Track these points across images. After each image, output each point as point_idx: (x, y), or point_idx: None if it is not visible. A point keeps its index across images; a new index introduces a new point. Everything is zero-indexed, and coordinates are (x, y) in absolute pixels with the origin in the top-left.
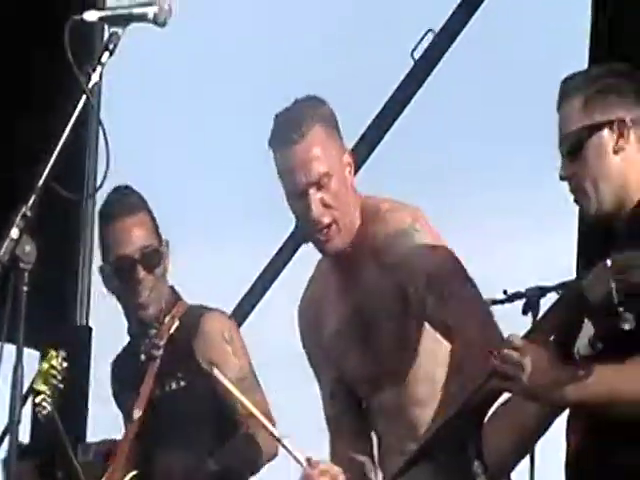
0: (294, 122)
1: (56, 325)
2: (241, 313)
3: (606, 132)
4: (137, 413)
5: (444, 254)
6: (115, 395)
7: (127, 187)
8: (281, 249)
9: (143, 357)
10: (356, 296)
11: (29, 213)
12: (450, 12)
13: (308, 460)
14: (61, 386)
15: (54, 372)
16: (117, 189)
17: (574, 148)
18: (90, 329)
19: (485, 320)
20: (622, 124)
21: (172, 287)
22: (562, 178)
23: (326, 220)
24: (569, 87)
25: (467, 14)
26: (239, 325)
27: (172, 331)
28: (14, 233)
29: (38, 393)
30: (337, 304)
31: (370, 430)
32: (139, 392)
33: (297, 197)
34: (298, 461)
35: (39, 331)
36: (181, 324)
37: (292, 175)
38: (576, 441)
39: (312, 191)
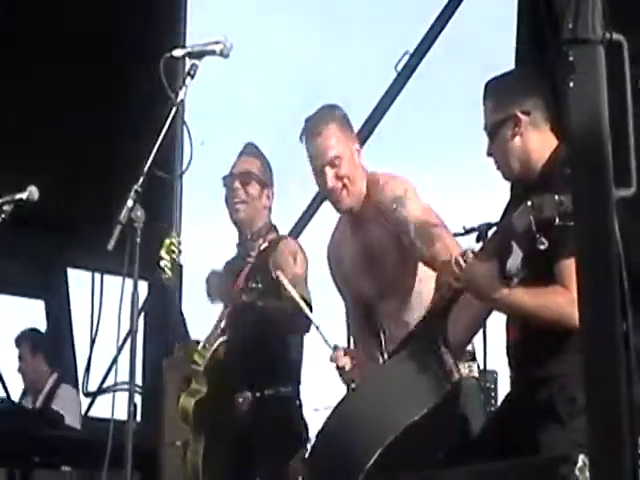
0: (315, 123)
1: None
2: None
3: (507, 124)
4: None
5: (428, 213)
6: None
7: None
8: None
9: (241, 261)
10: (365, 239)
11: (139, 189)
12: (421, 36)
13: (335, 346)
14: (180, 259)
15: (174, 247)
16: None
17: (491, 135)
18: (181, 266)
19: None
20: (516, 118)
21: (272, 223)
22: (488, 154)
23: (338, 187)
24: (487, 90)
25: (433, 38)
26: None
27: (261, 249)
28: (129, 203)
29: (161, 259)
30: (351, 244)
31: (379, 330)
32: (237, 281)
33: (318, 174)
34: (328, 344)
35: (146, 268)
36: (268, 246)
37: (314, 159)
38: (513, 333)
39: (327, 169)
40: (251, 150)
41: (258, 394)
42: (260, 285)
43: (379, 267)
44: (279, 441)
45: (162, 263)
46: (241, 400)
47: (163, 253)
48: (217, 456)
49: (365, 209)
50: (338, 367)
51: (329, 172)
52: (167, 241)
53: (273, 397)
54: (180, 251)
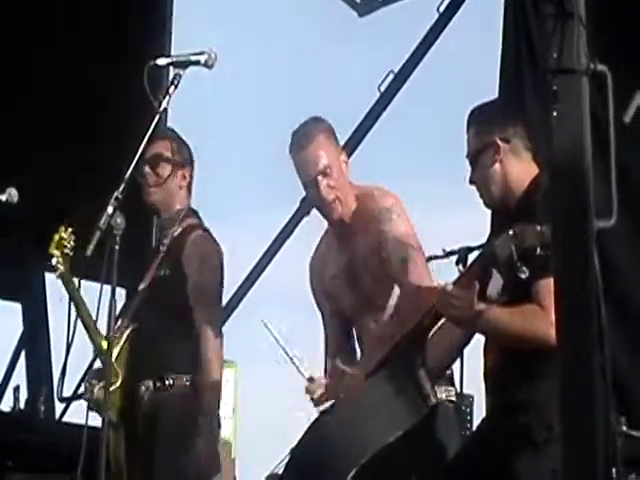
0: (303, 135)
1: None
2: (261, 265)
3: (487, 151)
4: (142, 286)
5: (410, 234)
6: None
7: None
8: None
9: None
10: (349, 253)
11: (120, 196)
12: (406, 56)
13: (310, 377)
14: (70, 253)
15: (64, 242)
16: None
17: (472, 163)
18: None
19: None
20: (496, 145)
21: (192, 207)
22: (470, 182)
23: (331, 197)
24: (470, 119)
25: (418, 59)
26: (261, 271)
27: (175, 235)
28: (110, 210)
29: (52, 256)
30: (336, 258)
31: (354, 346)
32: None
33: (310, 185)
34: (303, 375)
35: (125, 275)
36: (182, 232)
37: (305, 170)
38: (490, 358)
39: (320, 178)
40: (162, 133)
41: (158, 383)
42: (167, 273)
43: (362, 281)
44: (173, 435)
45: (54, 261)
46: (143, 389)
47: (53, 250)
48: (130, 450)
49: (354, 222)
50: (313, 398)
51: (322, 182)
52: (56, 236)
53: (172, 387)
54: (72, 243)
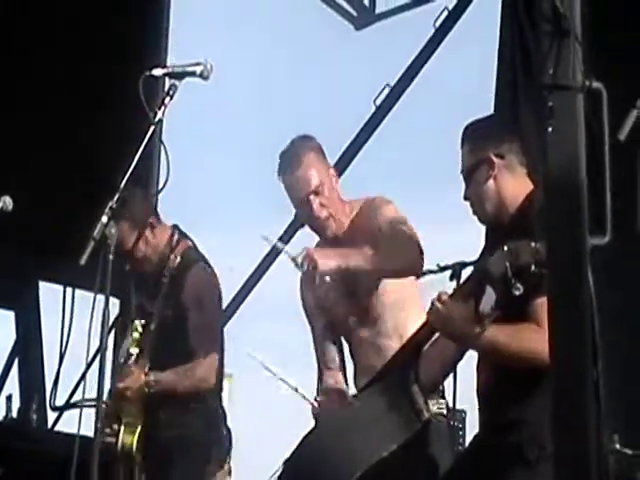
0: (294, 155)
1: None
2: (255, 277)
3: (481, 167)
4: (153, 326)
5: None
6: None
7: None
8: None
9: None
10: None
11: (114, 205)
12: (402, 70)
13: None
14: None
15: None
16: None
17: (467, 179)
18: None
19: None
20: (490, 161)
21: (172, 229)
22: (464, 198)
23: (324, 215)
24: (464, 136)
25: (414, 73)
26: (255, 283)
27: (175, 265)
28: (104, 219)
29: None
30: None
31: (344, 360)
32: (152, 308)
33: (302, 204)
34: (308, 401)
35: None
36: (181, 262)
37: (297, 190)
38: (483, 375)
39: (312, 197)
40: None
41: (179, 409)
42: (170, 313)
43: (358, 293)
44: (188, 459)
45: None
46: (164, 417)
47: (133, 348)
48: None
49: (350, 234)
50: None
51: (314, 200)
52: (135, 335)
53: (192, 411)
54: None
